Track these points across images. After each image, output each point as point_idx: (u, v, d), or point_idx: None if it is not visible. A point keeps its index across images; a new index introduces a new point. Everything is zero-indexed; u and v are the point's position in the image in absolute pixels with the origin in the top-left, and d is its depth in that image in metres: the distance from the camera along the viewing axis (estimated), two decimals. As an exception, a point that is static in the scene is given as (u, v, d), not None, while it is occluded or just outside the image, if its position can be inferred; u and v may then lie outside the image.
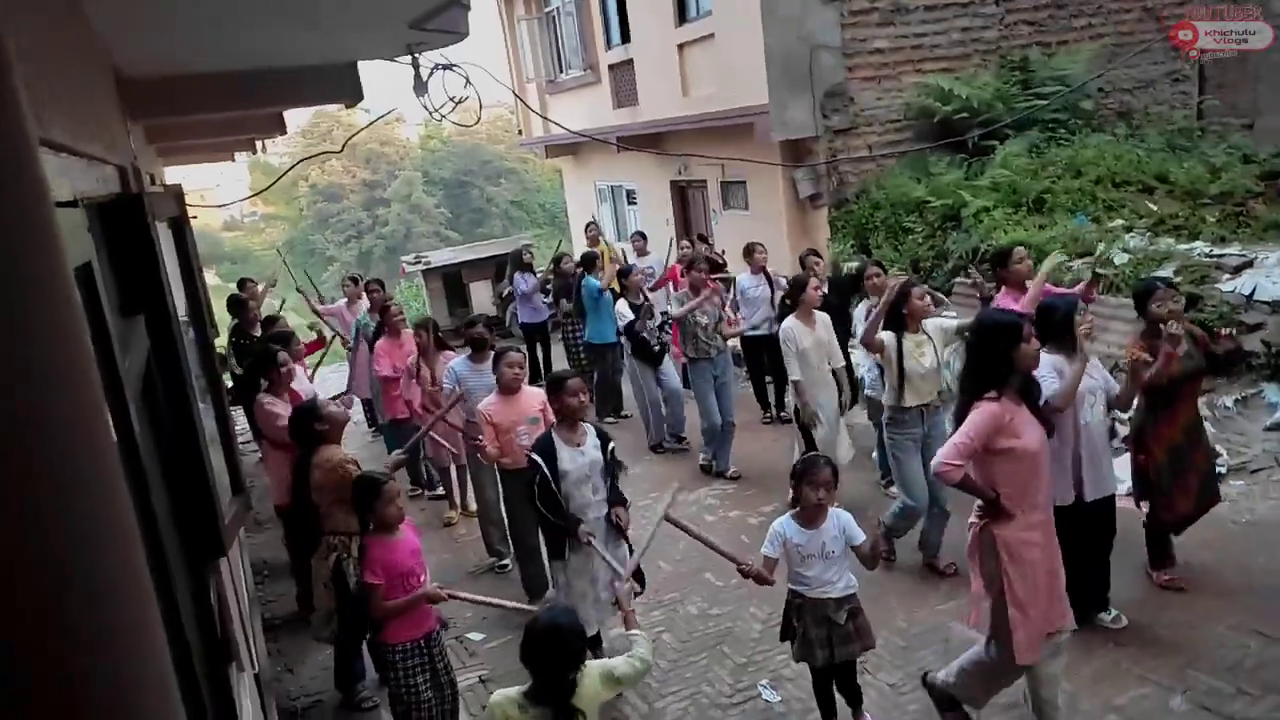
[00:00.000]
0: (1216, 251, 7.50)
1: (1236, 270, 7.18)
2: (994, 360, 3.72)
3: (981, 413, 3.69)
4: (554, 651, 2.91)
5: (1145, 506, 5.16)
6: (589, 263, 9.70)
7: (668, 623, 5.65)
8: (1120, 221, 8.50)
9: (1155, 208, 8.65)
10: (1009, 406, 3.71)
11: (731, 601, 5.75)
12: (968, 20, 10.93)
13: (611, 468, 4.84)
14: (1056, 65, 10.82)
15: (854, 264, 8.78)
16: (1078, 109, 10.72)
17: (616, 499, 4.83)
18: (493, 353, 6.35)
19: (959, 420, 3.78)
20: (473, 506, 7.21)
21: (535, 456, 4.71)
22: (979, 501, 3.82)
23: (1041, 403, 3.96)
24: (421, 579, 4.09)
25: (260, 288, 10.24)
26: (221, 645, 2.50)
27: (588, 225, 12.18)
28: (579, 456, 4.76)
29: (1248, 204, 8.37)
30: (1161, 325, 4.74)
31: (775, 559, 4.05)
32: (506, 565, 6.60)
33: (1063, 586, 3.87)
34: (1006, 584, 3.69)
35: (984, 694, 4.05)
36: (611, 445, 4.91)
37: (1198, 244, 7.74)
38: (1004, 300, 5.91)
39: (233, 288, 10.38)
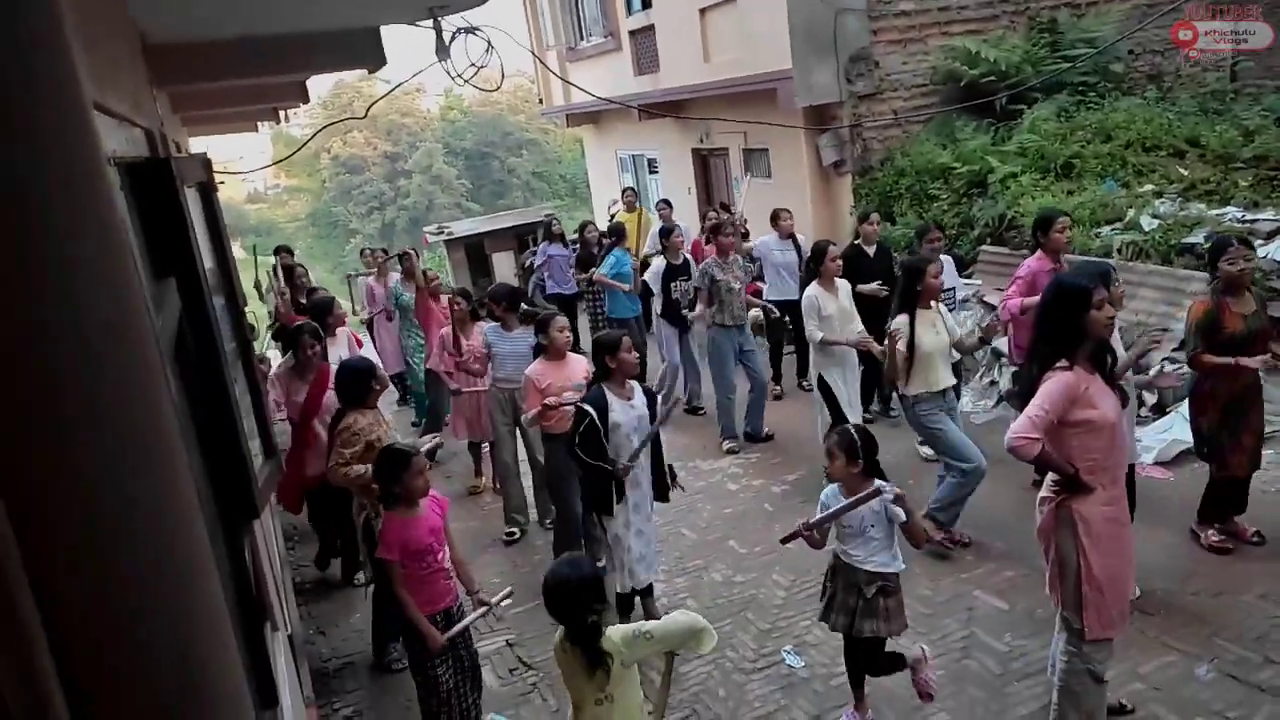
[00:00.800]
0: (1249, 216, 7.37)
1: (1270, 236, 7.06)
2: (1065, 327, 3.53)
3: (1055, 382, 3.50)
4: (563, 601, 3.09)
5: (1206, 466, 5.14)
6: (618, 233, 9.64)
7: (692, 589, 5.68)
8: (1150, 187, 8.36)
9: (1186, 172, 8.50)
10: (1083, 375, 3.52)
11: (756, 569, 5.78)
12: (996, -19, 10.73)
13: (654, 421, 4.95)
14: (1086, 27, 10.62)
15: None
16: (1108, 72, 10.52)
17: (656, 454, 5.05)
18: (519, 320, 6.45)
19: (1028, 394, 3.60)
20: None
21: (587, 406, 4.78)
22: (1051, 476, 3.69)
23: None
24: (440, 557, 4.05)
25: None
26: (256, 606, 2.54)
27: (625, 190, 12.03)
28: (629, 410, 4.88)
29: (1282, 168, 8.20)
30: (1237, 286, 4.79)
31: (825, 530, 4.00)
32: (514, 534, 6.68)
33: (1133, 559, 3.78)
34: (1083, 562, 3.54)
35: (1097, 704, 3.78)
36: (659, 401, 5.05)
37: (1230, 209, 7.61)
38: (1038, 264, 5.87)
39: (264, 259, 10.40)
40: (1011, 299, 5.86)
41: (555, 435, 5.61)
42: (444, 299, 7.85)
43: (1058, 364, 3.54)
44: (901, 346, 5.40)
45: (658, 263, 8.59)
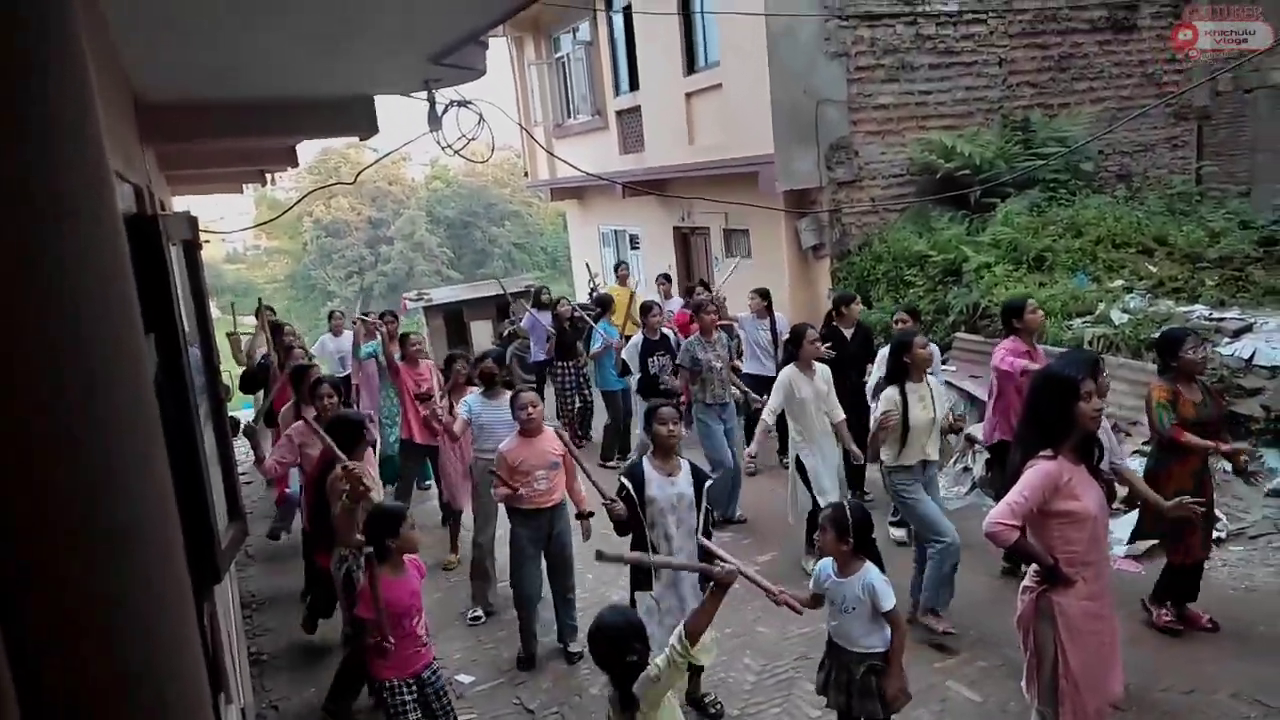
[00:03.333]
0: (1216, 315, 7.54)
1: (1236, 334, 7.21)
2: (1053, 417, 3.50)
3: (1036, 472, 3.47)
4: (607, 644, 3.20)
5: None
6: (604, 304, 9.68)
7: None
8: (1120, 282, 8.56)
9: (1155, 269, 8.72)
10: (1066, 466, 3.48)
11: (726, 651, 5.66)
12: (971, 79, 11.13)
13: (703, 505, 4.72)
14: (1057, 127, 10.98)
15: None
16: (1078, 170, 10.86)
17: (705, 533, 4.74)
18: (504, 389, 6.39)
19: (1012, 480, 3.57)
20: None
21: (625, 480, 4.68)
22: (1034, 567, 3.65)
23: (1106, 465, 3.87)
24: (416, 622, 4.05)
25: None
26: (212, 673, 2.45)
27: (618, 265, 12.21)
28: (668, 487, 4.66)
29: (1246, 269, 8.44)
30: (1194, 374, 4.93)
31: (820, 596, 3.99)
32: (480, 618, 6.50)
33: (1118, 657, 3.70)
34: (1061, 655, 3.49)
35: None
36: (708, 483, 4.81)
37: (1197, 306, 7.78)
38: (1013, 346, 5.95)
39: (230, 320, 10.38)
40: (1014, 361, 5.86)
41: (526, 513, 5.54)
42: (424, 364, 7.79)
43: (1041, 452, 3.51)
44: (894, 422, 5.40)
45: (636, 338, 8.62)
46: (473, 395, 6.55)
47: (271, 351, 8.09)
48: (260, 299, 10.56)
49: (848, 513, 3.87)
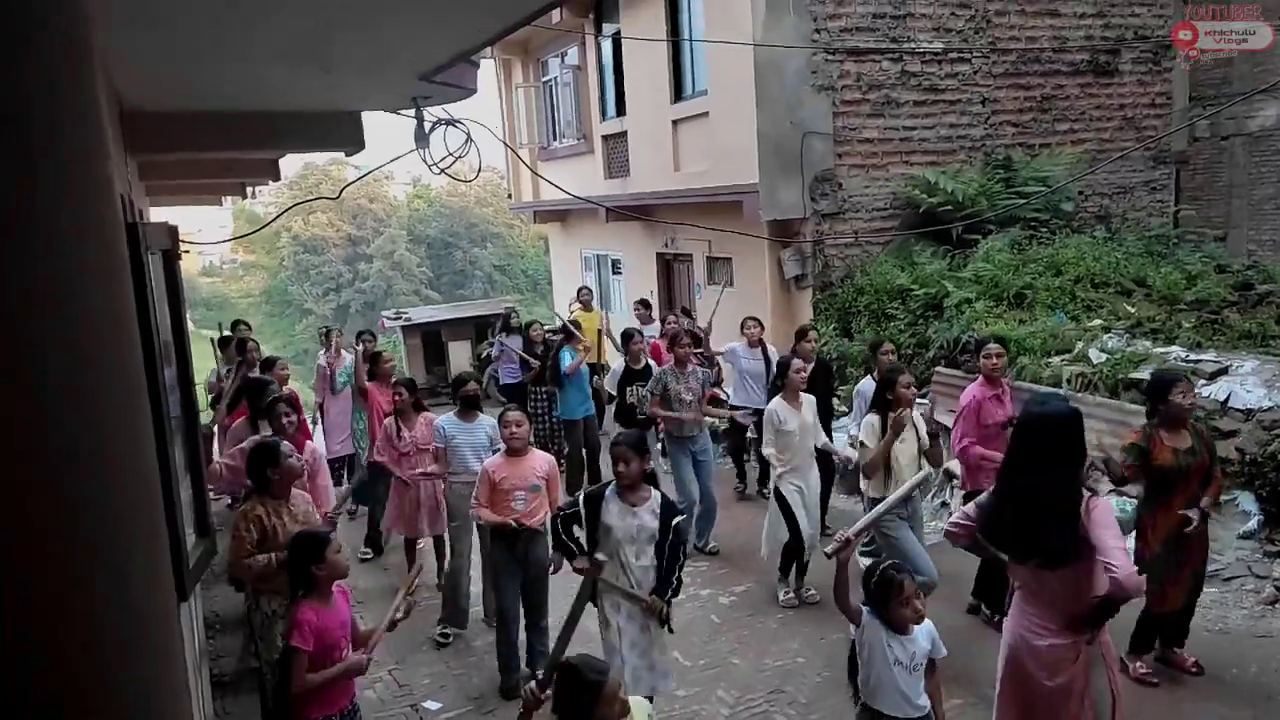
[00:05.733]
0: (1193, 356, 7.60)
1: (1212, 376, 7.27)
2: (1040, 456, 3.40)
3: (1108, 510, 3.38)
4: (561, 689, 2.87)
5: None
6: (568, 332, 9.59)
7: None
8: (1099, 321, 8.63)
9: (1133, 310, 8.80)
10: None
11: (700, 683, 5.59)
12: (955, 117, 11.26)
13: (670, 541, 4.50)
14: (1038, 166, 11.12)
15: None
16: (1058, 210, 10.99)
17: (662, 584, 4.51)
18: (478, 412, 6.32)
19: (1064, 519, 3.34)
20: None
21: (578, 497, 4.62)
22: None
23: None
24: (344, 654, 3.77)
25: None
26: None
27: (580, 289, 11.93)
28: (629, 518, 4.49)
29: (1223, 312, 8.54)
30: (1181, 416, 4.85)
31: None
32: (449, 636, 6.39)
33: None
34: (1117, 700, 3.38)
35: None
36: (677, 521, 4.59)
37: (1174, 348, 7.85)
38: (980, 391, 5.97)
39: (207, 333, 10.18)
40: (971, 449, 5.89)
41: (504, 533, 5.46)
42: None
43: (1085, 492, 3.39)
44: (871, 444, 5.44)
45: (616, 365, 8.55)
46: (445, 417, 6.47)
47: (227, 365, 7.92)
48: (238, 321, 10.40)
49: (901, 577, 3.58)
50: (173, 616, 0.75)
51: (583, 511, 4.55)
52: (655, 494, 4.60)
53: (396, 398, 7.00)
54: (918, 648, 3.54)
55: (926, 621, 3.61)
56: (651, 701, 4.63)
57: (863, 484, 5.60)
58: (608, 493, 4.59)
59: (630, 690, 4.50)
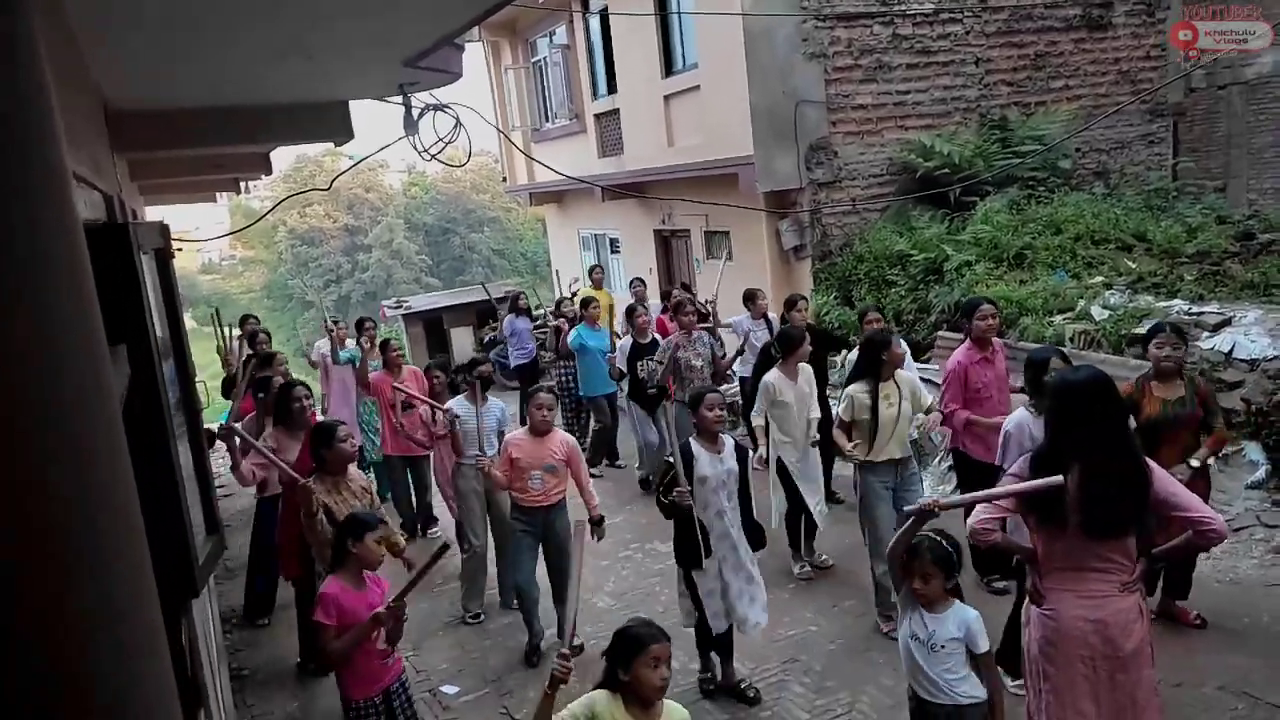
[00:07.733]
0: (1195, 309, 7.58)
1: (1215, 328, 7.25)
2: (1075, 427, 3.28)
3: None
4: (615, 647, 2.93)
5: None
6: (566, 312, 9.61)
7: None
8: (1100, 278, 8.60)
9: (1134, 265, 8.77)
10: None
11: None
12: (949, 79, 11.17)
13: (746, 479, 4.95)
14: (1034, 125, 11.04)
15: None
16: (1056, 168, 10.92)
17: (749, 522, 5.00)
18: (488, 394, 6.40)
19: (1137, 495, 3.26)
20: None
21: (674, 459, 4.73)
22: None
23: None
24: (377, 637, 3.86)
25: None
26: (191, 691, 2.39)
27: (593, 269, 12.13)
28: (717, 464, 4.86)
29: (1224, 264, 8.50)
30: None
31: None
32: (479, 617, 6.48)
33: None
34: (1030, 676, 3.35)
35: None
36: (752, 456, 5.09)
37: (1176, 301, 7.83)
38: (966, 356, 5.92)
39: (209, 330, 10.14)
40: (957, 413, 5.86)
41: (519, 507, 5.62)
42: (406, 370, 7.75)
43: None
44: (844, 414, 5.60)
45: (624, 342, 8.57)
46: (456, 400, 6.52)
47: (236, 361, 7.93)
48: (246, 316, 10.41)
49: (946, 547, 3.44)
50: (157, 632, 0.76)
51: (680, 468, 4.71)
52: (728, 439, 4.96)
53: (434, 380, 7.10)
54: (940, 628, 3.40)
55: (965, 608, 3.46)
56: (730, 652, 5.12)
57: (857, 450, 5.60)
58: (693, 445, 4.88)
59: (736, 613, 4.96)
